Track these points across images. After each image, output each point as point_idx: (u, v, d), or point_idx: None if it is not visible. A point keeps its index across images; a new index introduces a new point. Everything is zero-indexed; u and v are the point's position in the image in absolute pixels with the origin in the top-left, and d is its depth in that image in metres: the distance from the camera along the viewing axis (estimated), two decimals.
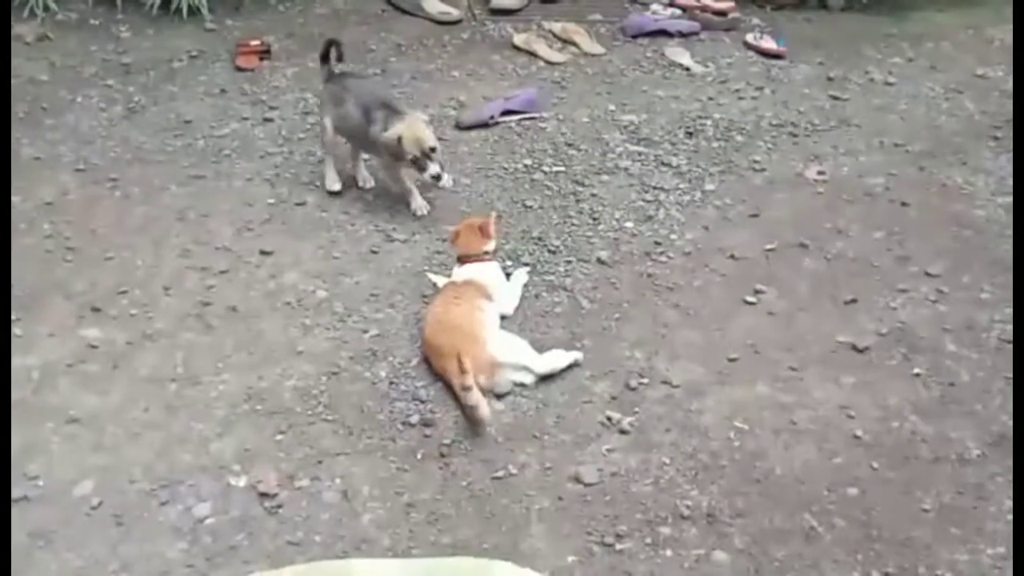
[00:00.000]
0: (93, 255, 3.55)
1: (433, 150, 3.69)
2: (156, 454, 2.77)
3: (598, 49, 5.10)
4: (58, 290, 3.37)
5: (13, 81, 4.57)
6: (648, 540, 2.53)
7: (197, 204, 3.85)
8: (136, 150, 4.18)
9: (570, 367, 3.07)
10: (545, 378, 3.03)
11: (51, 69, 4.72)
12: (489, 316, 3.17)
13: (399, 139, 3.65)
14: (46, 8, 5.07)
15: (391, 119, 3.72)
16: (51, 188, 3.90)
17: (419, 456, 2.80)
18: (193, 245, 3.62)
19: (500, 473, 2.73)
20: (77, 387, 2.98)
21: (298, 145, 4.24)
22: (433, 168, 3.68)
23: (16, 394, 2.93)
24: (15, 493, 2.61)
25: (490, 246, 3.39)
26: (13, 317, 3.23)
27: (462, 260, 3.37)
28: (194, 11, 5.15)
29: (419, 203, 3.85)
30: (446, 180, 3.77)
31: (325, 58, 3.97)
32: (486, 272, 3.32)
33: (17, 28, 4.94)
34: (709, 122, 4.44)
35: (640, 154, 4.22)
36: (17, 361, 3.05)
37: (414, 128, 3.68)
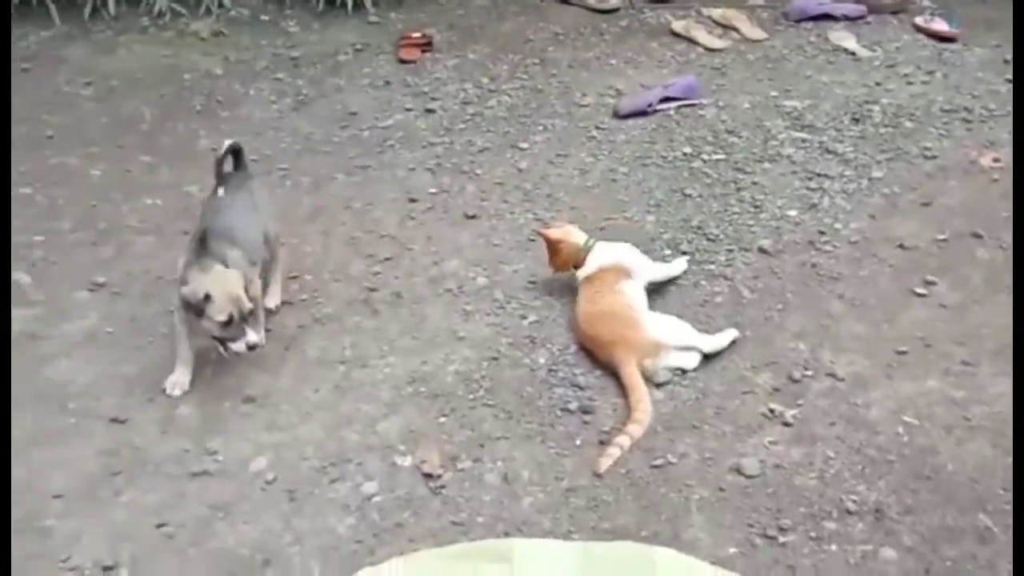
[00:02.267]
0: None
1: (252, 313, 2.93)
2: (326, 433, 2.87)
3: (760, 34, 5.01)
4: None
5: (190, 75, 4.79)
6: (812, 534, 2.48)
7: (362, 193, 3.96)
8: (305, 141, 4.33)
9: (731, 344, 3.07)
10: (708, 357, 3.02)
11: (225, 63, 4.93)
12: (637, 297, 3.16)
13: (206, 296, 2.83)
14: (220, 5, 5.30)
15: (193, 267, 2.90)
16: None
17: (578, 442, 2.82)
18: (359, 233, 3.73)
19: (659, 462, 2.73)
20: (252, 368, 3.11)
21: (459, 135, 4.31)
22: (251, 336, 2.90)
23: (196, 374, 3.08)
24: (196, 467, 2.75)
25: (582, 241, 3.34)
26: None
27: (576, 266, 3.33)
28: (358, 5, 5.30)
29: (179, 378, 3.03)
30: (260, 338, 2.96)
31: (220, 163, 3.24)
32: (611, 253, 3.28)
33: (193, 25, 5.18)
34: (876, 108, 4.31)
35: (803, 141, 4.13)
36: (196, 342, 3.21)
37: (225, 283, 2.86)
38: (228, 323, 2.84)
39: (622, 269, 3.22)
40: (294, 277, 3.50)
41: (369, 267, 3.55)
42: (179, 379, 3.03)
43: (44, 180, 4.03)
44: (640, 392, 2.88)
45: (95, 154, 4.22)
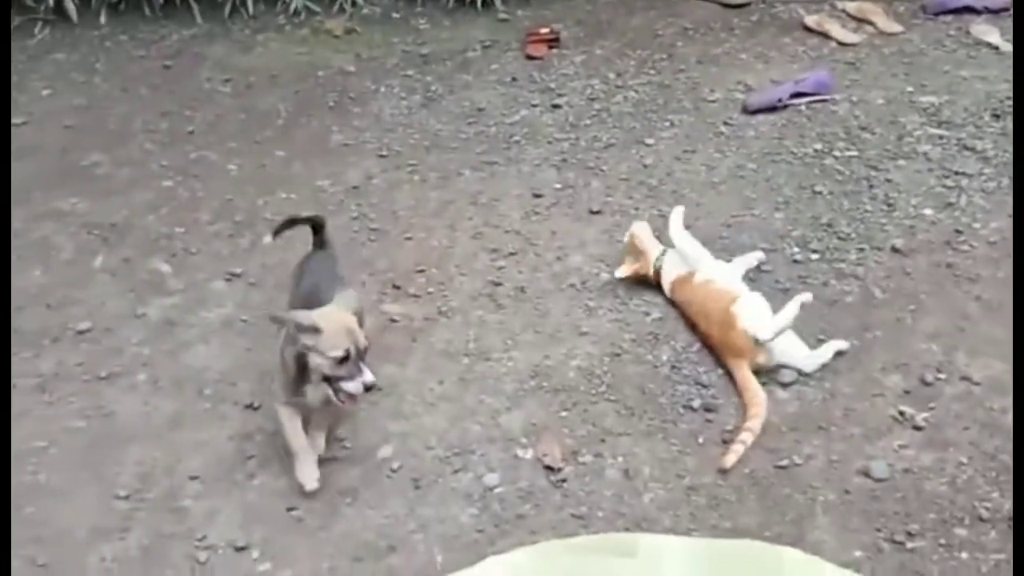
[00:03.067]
0: (394, 236, 3.78)
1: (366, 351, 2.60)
2: (450, 424, 2.93)
3: (896, 28, 4.87)
4: (363, 268, 3.61)
5: (323, 72, 4.92)
6: (942, 541, 2.41)
7: (488, 188, 4.01)
8: (433, 137, 4.40)
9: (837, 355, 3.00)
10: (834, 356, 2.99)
11: (357, 60, 5.04)
12: (729, 290, 3.11)
13: (315, 328, 2.53)
14: (353, 3, 5.42)
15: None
16: (357, 173, 4.18)
17: (700, 440, 2.80)
18: (485, 227, 3.78)
19: (784, 462, 2.69)
20: (380, 358, 3.18)
21: (584, 131, 4.32)
22: (368, 375, 2.57)
23: None
24: (325, 453, 2.83)
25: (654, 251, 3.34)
26: None
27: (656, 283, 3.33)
28: (488, 3, 5.35)
29: (309, 472, 2.72)
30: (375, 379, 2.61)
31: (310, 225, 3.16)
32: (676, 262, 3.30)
33: (328, 23, 5.31)
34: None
35: (941, 137, 4.00)
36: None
37: (339, 317, 2.59)
38: (343, 360, 2.53)
39: (692, 271, 3.22)
40: (421, 271, 3.56)
41: (494, 261, 3.59)
42: (309, 471, 2.70)
43: (185, 173, 4.20)
44: (752, 388, 2.86)
45: (233, 149, 4.37)
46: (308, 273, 2.98)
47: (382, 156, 4.29)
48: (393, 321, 3.35)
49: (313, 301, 2.70)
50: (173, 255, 3.72)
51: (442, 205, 3.94)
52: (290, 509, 2.69)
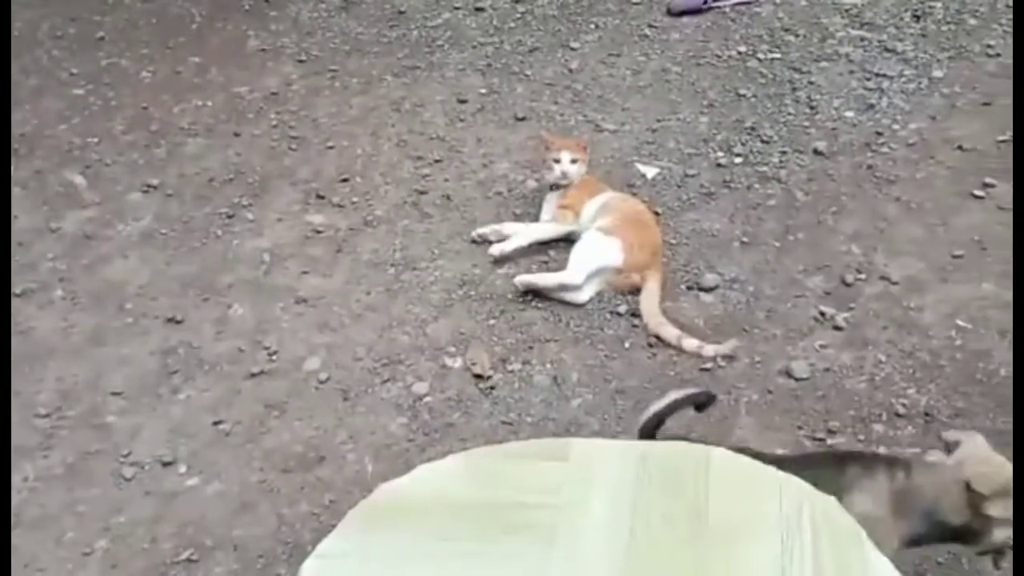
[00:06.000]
0: (316, 144, 3.71)
1: None
2: (377, 334, 2.91)
3: None
4: (284, 177, 3.54)
5: None
6: (861, 436, 2.48)
7: (411, 94, 3.94)
8: (354, 41, 4.29)
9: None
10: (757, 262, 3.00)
11: None
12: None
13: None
14: None
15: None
16: (275, 79, 4.07)
17: (627, 345, 2.83)
18: (409, 135, 3.72)
19: (708, 365, 2.73)
20: (304, 269, 3.14)
21: (508, 35, 4.25)
22: None
23: (249, 275, 3.13)
24: (254, 368, 2.81)
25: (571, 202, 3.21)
26: (245, 203, 3.43)
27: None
28: None
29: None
30: None
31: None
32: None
33: None
34: (939, 4, 4.17)
35: (862, 39, 4.01)
36: (249, 244, 3.25)
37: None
38: None
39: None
40: (344, 180, 3.50)
41: (418, 169, 3.54)
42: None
43: (96, 81, 4.06)
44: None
45: (145, 55, 4.23)
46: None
47: (301, 61, 4.19)
48: (317, 232, 3.29)
49: None
50: (87, 167, 3.61)
51: (364, 112, 3.86)
52: (216, 423, 2.66)
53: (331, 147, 3.68)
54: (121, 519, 2.43)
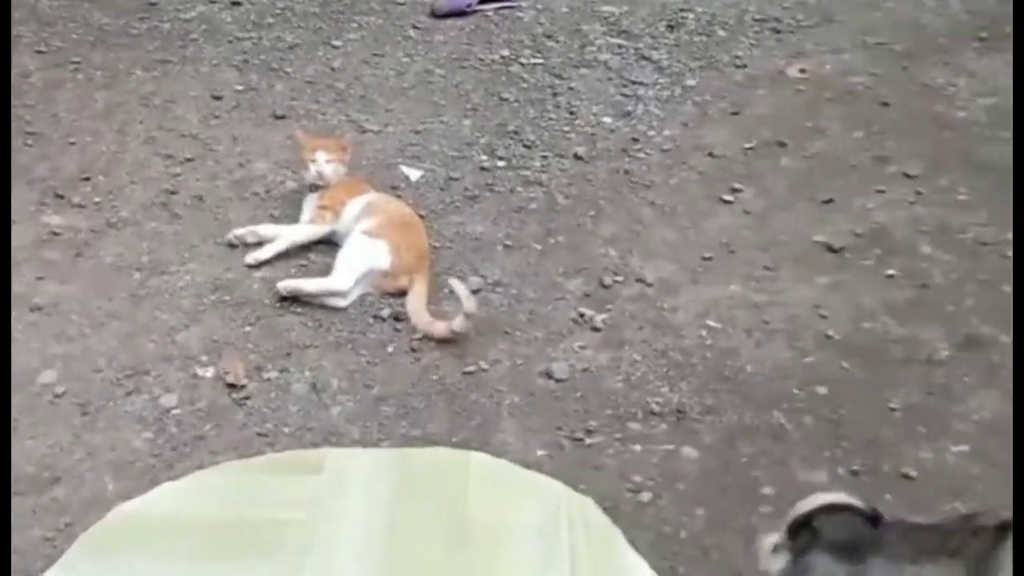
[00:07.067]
0: (55, 140, 3.46)
1: None
2: (121, 343, 2.72)
3: None
4: (20, 175, 3.28)
5: None
6: (618, 435, 2.52)
7: (162, 89, 3.74)
8: (99, 32, 4.04)
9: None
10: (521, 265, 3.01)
11: None
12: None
13: None
14: None
15: None
16: (11, 70, 3.77)
17: (390, 350, 2.77)
18: (158, 132, 3.52)
19: (471, 368, 2.71)
20: (39, 275, 2.91)
21: (268, 31, 4.11)
22: None
23: None
24: None
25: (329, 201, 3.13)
26: None
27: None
28: None
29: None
30: None
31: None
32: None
33: None
34: (691, 16, 4.35)
35: (620, 47, 4.13)
36: None
37: None
38: None
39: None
40: (86, 178, 3.28)
41: (168, 168, 3.36)
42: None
43: None
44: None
45: None
46: None
47: (40, 52, 3.91)
48: (55, 234, 3.07)
49: None
50: None
51: (110, 107, 3.63)
52: None
53: (72, 143, 3.44)
54: None
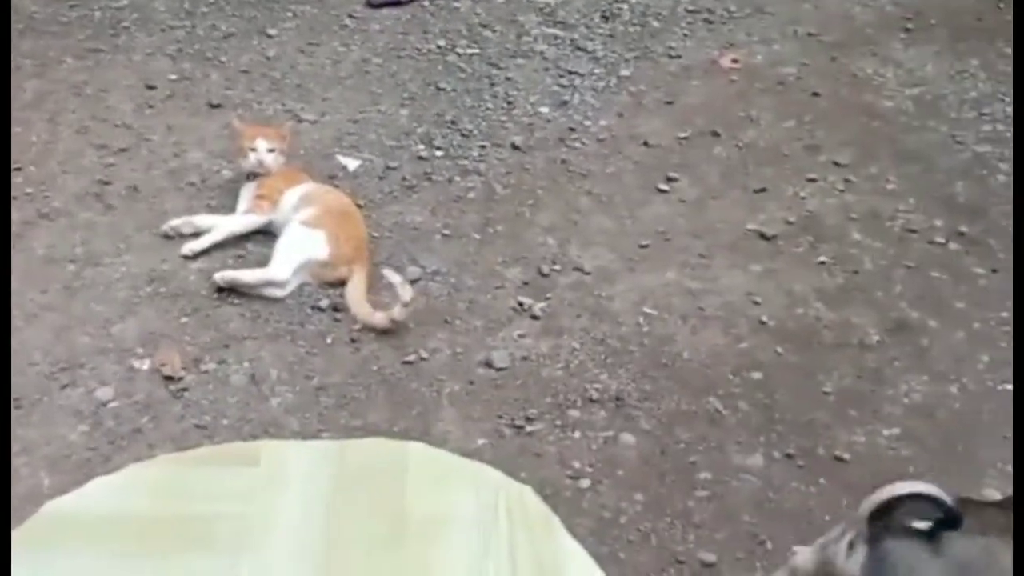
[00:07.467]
0: None
1: None
2: (55, 336, 2.69)
3: None
4: None
5: None
6: (558, 423, 2.55)
7: (94, 78, 3.68)
8: (27, 20, 3.96)
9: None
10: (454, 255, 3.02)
11: None
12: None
13: None
14: None
15: None
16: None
17: (329, 340, 2.76)
18: (91, 121, 3.47)
19: (411, 358, 2.72)
20: None
21: (201, 19, 4.06)
22: None
23: None
24: None
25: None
26: None
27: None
28: None
29: None
30: None
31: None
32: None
33: None
34: (626, 6, 4.38)
35: (556, 37, 4.15)
36: None
37: None
38: None
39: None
40: (17, 169, 3.22)
41: (102, 158, 3.31)
42: None
43: None
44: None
45: None
46: None
47: None
48: None
49: None
50: None
51: (40, 96, 3.57)
52: None
53: None
54: None
